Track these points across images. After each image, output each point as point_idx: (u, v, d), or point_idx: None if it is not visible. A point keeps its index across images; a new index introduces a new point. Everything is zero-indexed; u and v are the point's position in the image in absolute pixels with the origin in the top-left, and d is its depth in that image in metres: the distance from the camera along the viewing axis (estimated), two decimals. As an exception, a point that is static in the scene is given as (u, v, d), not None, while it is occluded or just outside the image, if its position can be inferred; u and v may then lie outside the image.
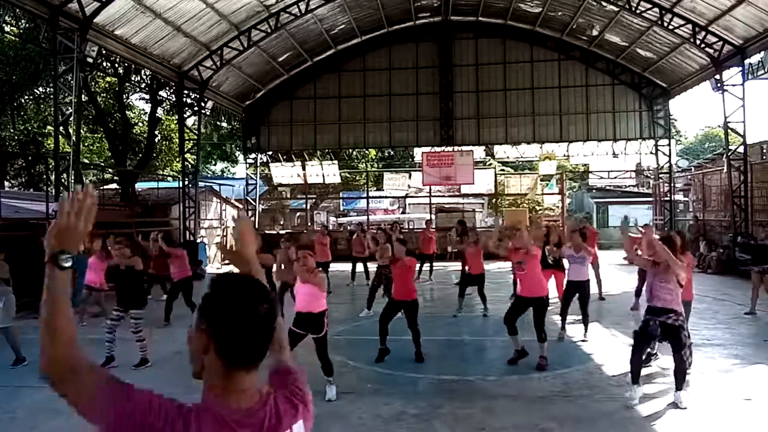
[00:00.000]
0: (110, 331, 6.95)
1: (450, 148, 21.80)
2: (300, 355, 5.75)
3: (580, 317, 8.18)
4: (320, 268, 12.85)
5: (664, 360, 6.59)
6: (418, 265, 14.53)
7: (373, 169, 31.24)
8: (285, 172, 24.08)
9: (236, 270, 1.69)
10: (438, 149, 21.92)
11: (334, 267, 14.69)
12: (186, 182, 18.66)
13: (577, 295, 8.04)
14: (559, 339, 7.94)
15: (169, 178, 24.52)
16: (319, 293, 5.75)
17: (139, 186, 22.66)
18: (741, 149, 16.55)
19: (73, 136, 12.78)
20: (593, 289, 11.06)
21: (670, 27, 16.11)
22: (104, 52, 14.28)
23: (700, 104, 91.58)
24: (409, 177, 25.47)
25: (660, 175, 21.76)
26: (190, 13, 15.29)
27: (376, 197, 29.55)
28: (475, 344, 8.12)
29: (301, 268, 5.76)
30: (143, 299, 7.14)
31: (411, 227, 24.41)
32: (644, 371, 5.82)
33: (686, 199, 25.37)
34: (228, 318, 1.33)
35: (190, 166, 19.14)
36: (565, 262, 8.48)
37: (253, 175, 23.53)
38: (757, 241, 10.57)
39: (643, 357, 5.74)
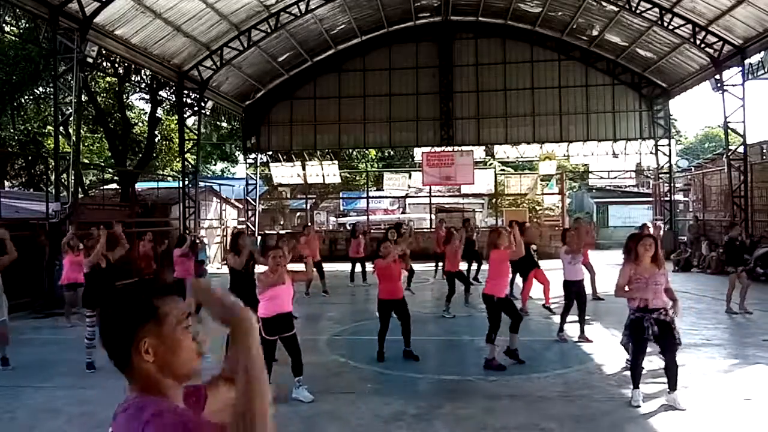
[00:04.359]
0: (92, 337, 6.83)
1: (450, 148, 21.80)
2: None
3: (577, 318, 8.16)
4: (314, 268, 12.86)
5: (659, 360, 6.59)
6: (433, 264, 14.91)
7: (373, 169, 31.23)
8: (285, 172, 24.08)
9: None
10: (438, 149, 21.93)
11: (334, 267, 14.72)
12: (186, 182, 18.67)
13: (576, 295, 8.04)
14: (561, 340, 7.95)
15: (169, 178, 24.51)
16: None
17: (139, 186, 22.67)
18: (741, 149, 16.55)
19: (73, 136, 12.79)
20: (587, 289, 11.12)
21: (670, 27, 16.11)
22: (104, 52, 14.29)
23: (700, 104, 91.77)
24: (409, 177, 25.46)
25: (660, 175, 21.76)
26: (190, 13, 15.30)
27: (376, 197, 29.54)
28: (475, 344, 8.10)
29: (283, 268, 5.73)
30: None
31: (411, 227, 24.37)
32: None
33: (686, 199, 25.37)
34: None
35: (190, 166, 19.15)
36: (559, 263, 8.47)
37: (253, 175, 23.53)
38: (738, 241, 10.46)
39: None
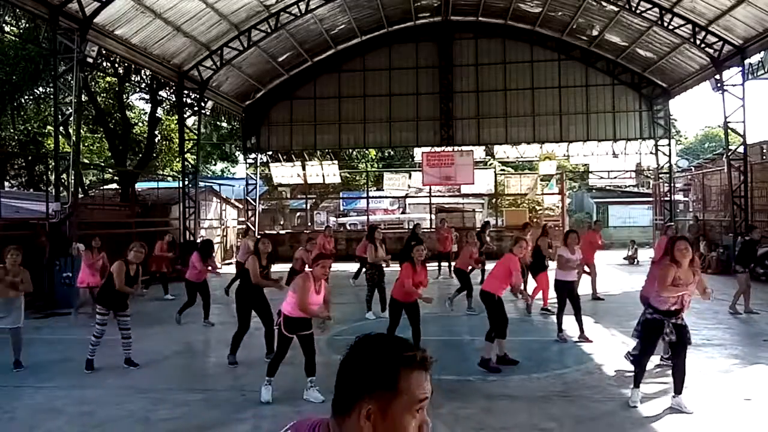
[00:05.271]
0: (99, 336, 6.86)
1: (450, 148, 21.80)
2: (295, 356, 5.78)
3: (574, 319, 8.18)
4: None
5: (658, 359, 6.60)
6: (435, 264, 14.94)
7: (373, 169, 31.24)
8: (285, 172, 24.08)
9: None
10: (438, 149, 21.93)
11: (334, 267, 14.68)
12: (186, 182, 18.66)
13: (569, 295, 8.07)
14: (561, 340, 7.96)
15: (169, 178, 24.51)
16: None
17: (139, 186, 22.65)
18: (741, 149, 16.55)
19: (73, 136, 12.79)
20: (588, 289, 11.15)
21: (670, 27, 16.10)
22: (104, 52, 14.27)
23: (700, 104, 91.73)
24: (409, 177, 25.47)
25: (660, 175, 21.76)
26: (190, 13, 15.29)
27: (376, 197, 29.55)
28: (475, 344, 8.10)
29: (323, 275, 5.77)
30: (126, 300, 7.09)
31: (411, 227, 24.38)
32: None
33: (686, 199, 25.38)
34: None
35: (190, 166, 19.14)
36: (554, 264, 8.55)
37: (253, 175, 23.52)
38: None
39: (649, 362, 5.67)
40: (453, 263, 12.19)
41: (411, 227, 13.78)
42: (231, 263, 18.71)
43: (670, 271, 5.16)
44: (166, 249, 13.26)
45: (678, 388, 5.18)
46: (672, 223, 16.31)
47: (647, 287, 6.45)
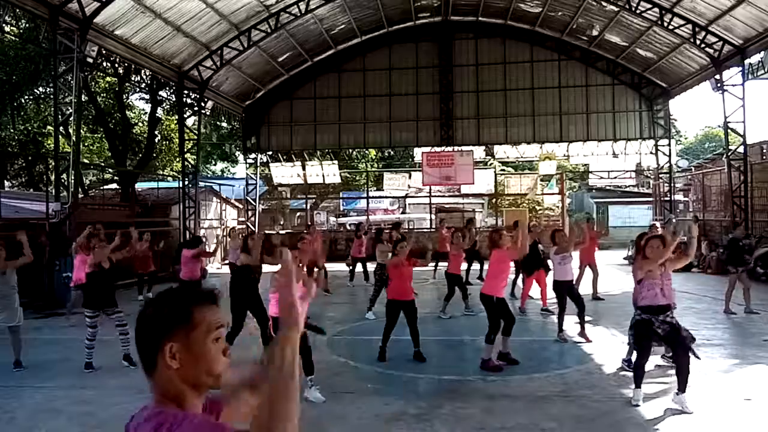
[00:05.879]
0: (93, 338, 6.87)
1: (450, 148, 21.80)
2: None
3: (576, 317, 8.18)
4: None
5: (659, 359, 6.60)
6: (432, 264, 14.92)
7: (373, 169, 31.24)
8: (285, 172, 24.08)
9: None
10: (438, 149, 21.93)
11: (334, 267, 14.73)
12: (186, 182, 18.66)
13: (569, 293, 8.08)
14: (561, 340, 7.96)
15: (169, 178, 24.49)
16: None
17: (139, 186, 22.66)
18: (741, 149, 16.55)
19: (73, 136, 12.79)
20: (588, 289, 11.15)
21: (670, 27, 16.10)
22: (104, 52, 14.28)
23: (700, 104, 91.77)
24: (409, 177, 25.46)
25: (660, 175, 21.76)
26: (190, 13, 15.30)
27: (376, 197, 29.54)
28: (475, 344, 8.10)
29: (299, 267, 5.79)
30: (113, 297, 7.09)
31: (411, 227, 24.39)
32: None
33: (686, 199, 25.38)
34: None
35: (190, 166, 19.14)
36: (550, 263, 8.56)
37: (253, 175, 23.53)
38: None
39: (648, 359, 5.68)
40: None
41: (392, 224, 13.80)
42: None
43: (643, 265, 5.36)
44: (146, 248, 13.17)
45: (681, 386, 5.17)
46: (656, 222, 16.28)
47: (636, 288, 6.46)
